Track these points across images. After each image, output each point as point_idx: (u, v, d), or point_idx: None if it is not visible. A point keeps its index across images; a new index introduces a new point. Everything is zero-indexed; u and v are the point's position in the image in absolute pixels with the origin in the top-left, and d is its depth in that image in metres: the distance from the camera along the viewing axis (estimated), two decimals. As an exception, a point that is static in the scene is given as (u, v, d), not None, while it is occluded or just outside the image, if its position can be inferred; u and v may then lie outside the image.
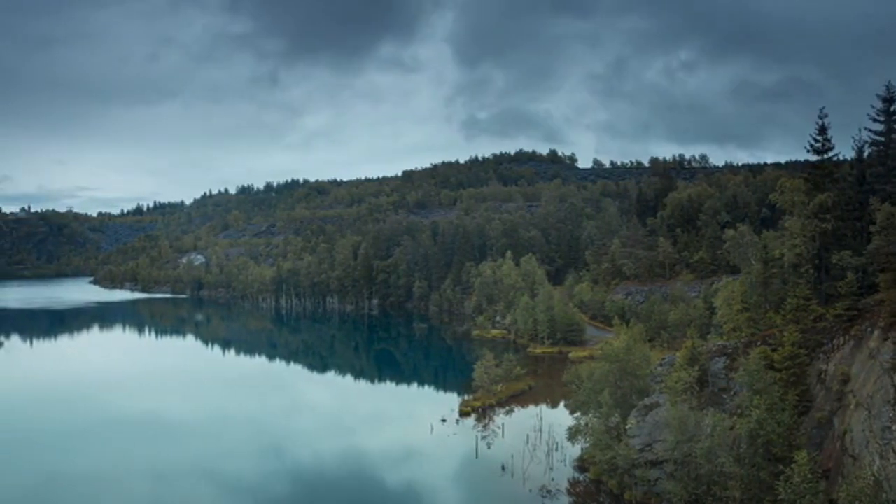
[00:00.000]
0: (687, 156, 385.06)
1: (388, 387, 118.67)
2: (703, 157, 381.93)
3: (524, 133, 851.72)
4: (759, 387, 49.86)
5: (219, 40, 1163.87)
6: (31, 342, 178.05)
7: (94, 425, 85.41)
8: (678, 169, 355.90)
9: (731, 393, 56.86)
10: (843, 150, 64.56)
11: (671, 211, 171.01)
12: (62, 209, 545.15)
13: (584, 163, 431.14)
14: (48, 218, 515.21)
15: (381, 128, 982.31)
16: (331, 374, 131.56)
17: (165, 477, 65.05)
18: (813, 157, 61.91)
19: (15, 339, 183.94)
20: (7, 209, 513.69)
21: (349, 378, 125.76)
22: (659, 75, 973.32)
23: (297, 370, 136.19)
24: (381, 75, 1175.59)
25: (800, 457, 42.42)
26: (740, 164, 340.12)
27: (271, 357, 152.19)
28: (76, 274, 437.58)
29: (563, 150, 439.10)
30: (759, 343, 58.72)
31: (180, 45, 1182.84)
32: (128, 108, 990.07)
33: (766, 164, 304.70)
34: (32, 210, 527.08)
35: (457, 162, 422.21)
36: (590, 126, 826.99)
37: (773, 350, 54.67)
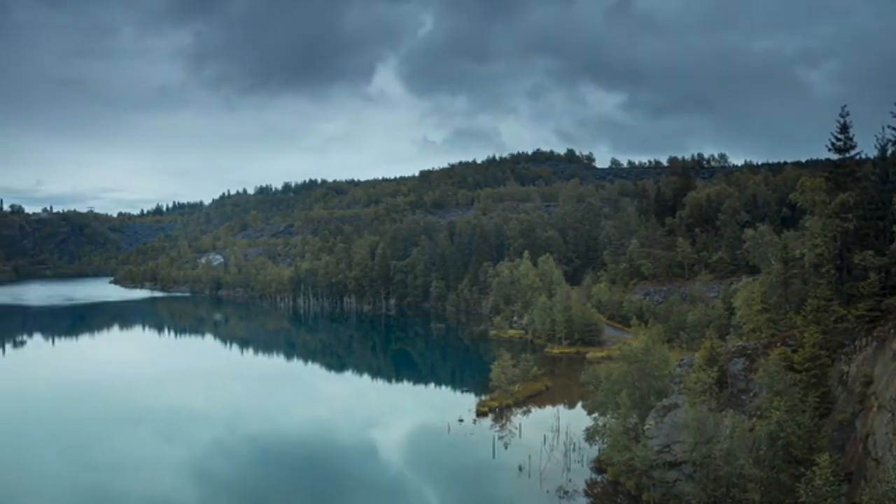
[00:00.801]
0: (706, 155, 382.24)
1: (406, 386, 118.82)
2: (723, 156, 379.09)
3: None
4: (779, 388, 49.37)
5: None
6: (54, 340, 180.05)
7: (120, 420, 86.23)
8: (697, 168, 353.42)
9: (751, 394, 56.36)
10: (866, 148, 63.70)
11: (690, 210, 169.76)
12: (84, 210, 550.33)
13: (601, 162, 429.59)
14: (70, 218, 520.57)
15: (397, 131, 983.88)
16: (348, 374, 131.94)
17: (187, 469, 65.66)
18: (834, 156, 61.13)
19: (38, 336, 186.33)
20: (30, 209, 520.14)
21: (367, 378, 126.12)
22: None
23: (314, 369, 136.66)
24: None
25: (821, 459, 41.92)
26: (760, 163, 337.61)
27: (289, 356, 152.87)
28: (97, 273, 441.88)
29: (581, 150, 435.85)
30: (779, 344, 58.16)
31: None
32: (149, 114, 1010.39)
33: (786, 163, 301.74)
34: (54, 210, 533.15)
35: (474, 162, 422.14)
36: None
37: (794, 351, 54.12)
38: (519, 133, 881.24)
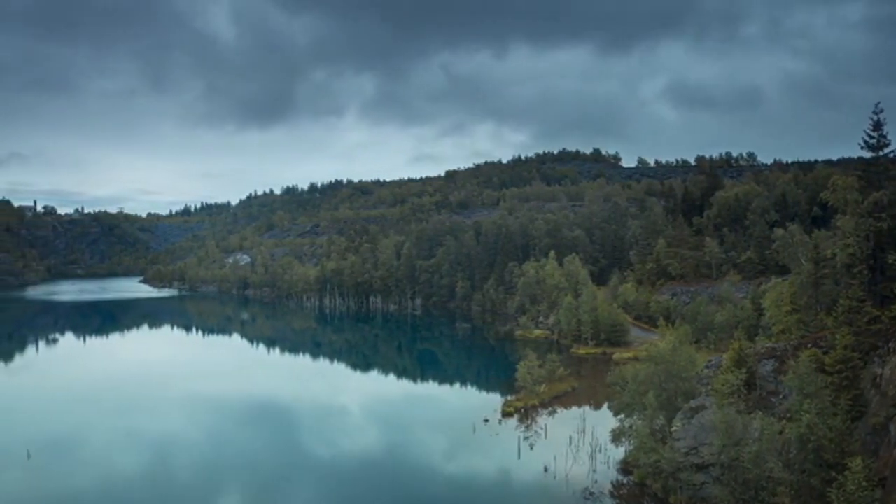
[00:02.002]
0: (734, 154, 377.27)
1: (431, 386, 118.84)
2: (751, 154, 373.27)
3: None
4: (809, 390, 48.56)
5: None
6: (87, 336, 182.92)
7: (155, 410, 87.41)
8: (725, 167, 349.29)
9: (780, 396, 55.52)
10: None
11: (718, 210, 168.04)
12: (114, 211, 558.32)
13: (628, 161, 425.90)
14: (100, 219, 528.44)
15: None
16: (374, 374, 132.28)
17: (212, 460, 66.38)
18: (867, 154, 60.02)
19: (75, 332, 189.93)
20: (62, 210, 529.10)
21: (392, 377, 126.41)
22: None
23: (340, 369, 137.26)
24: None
25: (854, 464, 41.12)
26: (790, 161, 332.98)
27: (315, 356, 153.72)
28: (126, 273, 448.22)
29: (607, 149, 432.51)
30: (809, 345, 57.24)
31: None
32: (179, 120, 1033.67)
33: (816, 161, 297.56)
34: (86, 211, 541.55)
35: (500, 162, 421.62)
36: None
37: (825, 353, 53.20)
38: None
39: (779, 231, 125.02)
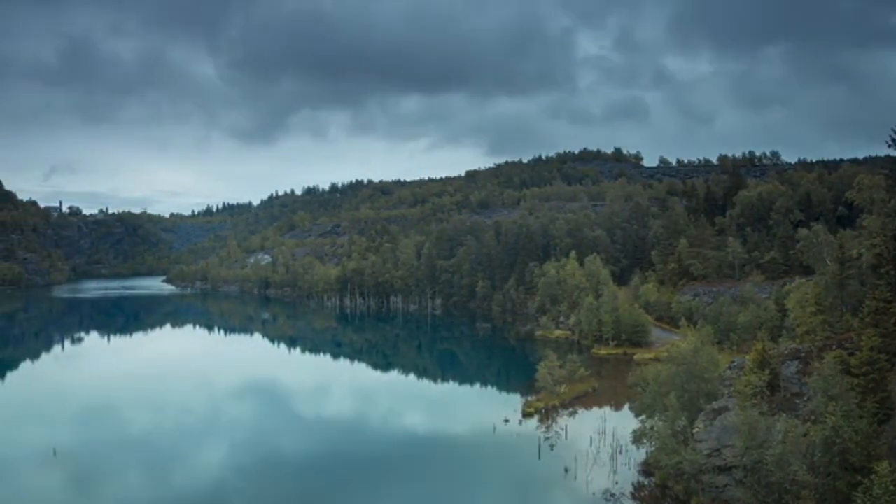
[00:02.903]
0: (757, 153, 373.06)
1: (451, 386, 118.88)
2: (775, 153, 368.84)
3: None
4: (834, 392, 47.89)
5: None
6: (110, 337, 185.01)
7: (190, 411, 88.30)
8: (748, 166, 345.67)
9: (805, 398, 54.81)
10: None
11: (741, 210, 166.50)
12: (138, 211, 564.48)
13: (649, 161, 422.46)
14: (124, 219, 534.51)
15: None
16: (394, 373, 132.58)
17: (241, 458, 66.81)
18: (895, 152, 59.13)
19: (95, 333, 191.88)
20: (87, 211, 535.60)
21: (412, 377, 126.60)
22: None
23: (361, 368, 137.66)
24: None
25: (880, 468, 40.42)
26: (814, 160, 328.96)
27: (336, 355, 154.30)
28: (150, 273, 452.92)
29: (628, 149, 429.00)
30: (834, 347, 56.49)
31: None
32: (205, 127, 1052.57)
33: (842, 160, 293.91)
34: (110, 212, 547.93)
35: (520, 161, 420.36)
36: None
37: (850, 354, 52.46)
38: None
39: (803, 231, 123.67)
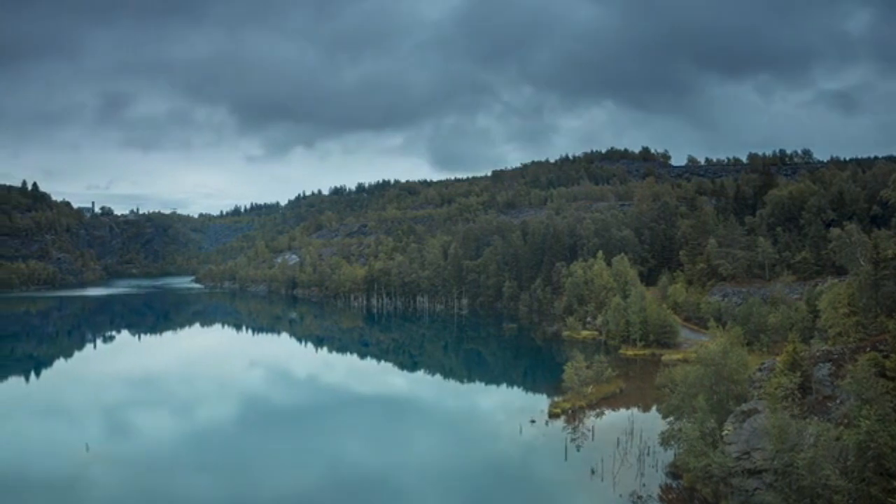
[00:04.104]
0: (788, 151, 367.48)
1: (478, 387, 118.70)
2: (807, 151, 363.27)
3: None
4: (868, 396, 46.94)
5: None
6: (141, 335, 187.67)
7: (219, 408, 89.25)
8: (779, 165, 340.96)
9: (837, 401, 53.80)
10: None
11: (771, 209, 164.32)
12: (168, 212, 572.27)
13: (677, 160, 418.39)
14: (154, 219, 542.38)
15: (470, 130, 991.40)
16: (420, 373, 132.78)
17: (271, 455, 67.33)
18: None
19: (126, 332, 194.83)
20: (118, 212, 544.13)
21: (438, 377, 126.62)
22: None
23: (387, 368, 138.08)
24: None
25: (915, 472, 39.60)
26: (847, 158, 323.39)
27: (363, 355, 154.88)
28: (179, 272, 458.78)
29: (656, 148, 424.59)
30: (868, 349, 55.40)
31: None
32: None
33: (876, 157, 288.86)
34: (140, 212, 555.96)
35: (547, 161, 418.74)
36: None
37: (885, 357, 51.39)
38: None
39: (835, 230, 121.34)
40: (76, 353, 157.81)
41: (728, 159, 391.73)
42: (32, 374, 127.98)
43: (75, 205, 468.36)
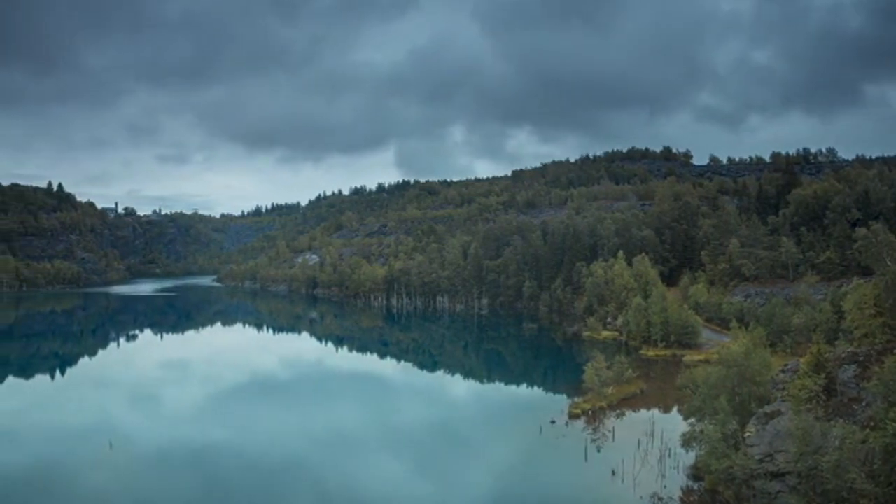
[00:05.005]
0: (812, 149, 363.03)
1: (497, 386, 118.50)
2: (831, 150, 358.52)
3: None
4: (895, 398, 46.18)
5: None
6: (163, 334, 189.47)
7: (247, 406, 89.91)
8: (802, 164, 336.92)
9: (863, 403, 53.02)
10: None
11: (795, 208, 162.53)
12: (189, 212, 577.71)
13: (699, 159, 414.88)
14: (176, 219, 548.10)
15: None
16: (440, 373, 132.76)
17: (296, 453, 67.72)
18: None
19: (149, 331, 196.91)
20: (141, 212, 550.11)
21: (458, 377, 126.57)
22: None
23: (407, 367, 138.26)
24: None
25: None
26: (873, 157, 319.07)
27: (383, 354, 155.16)
28: (201, 272, 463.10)
29: (678, 147, 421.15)
30: (895, 350, 54.51)
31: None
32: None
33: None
34: (163, 213, 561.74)
35: (567, 161, 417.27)
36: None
37: (912, 358, 50.54)
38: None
39: (861, 230, 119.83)
40: (100, 352, 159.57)
41: (751, 158, 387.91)
42: (58, 372, 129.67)
43: (99, 205, 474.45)
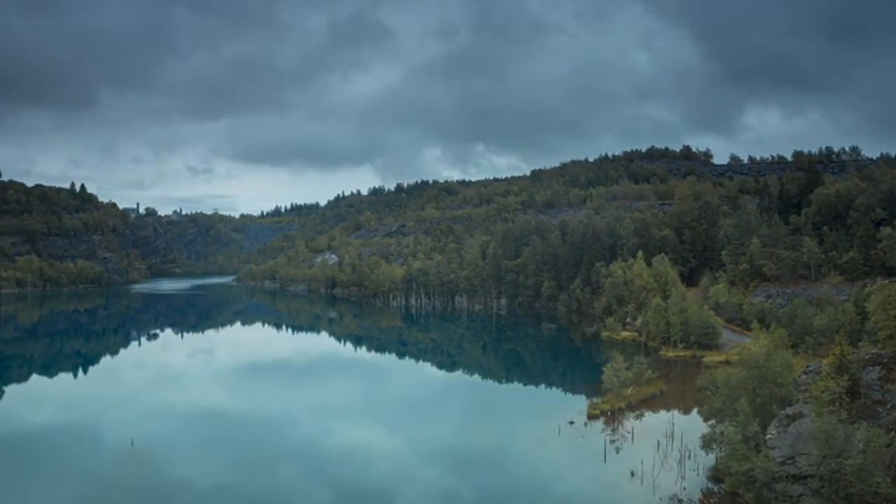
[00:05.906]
0: (836, 148, 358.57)
1: (516, 387, 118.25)
2: (854, 149, 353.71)
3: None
4: (919, 400, 45.49)
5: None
6: (184, 333, 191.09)
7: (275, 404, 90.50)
8: (825, 163, 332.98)
9: (888, 406, 52.28)
10: None
11: (817, 208, 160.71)
12: (210, 212, 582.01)
13: (719, 158, 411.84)
14: (197, 220, 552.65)
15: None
16: (459, 373, 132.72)
17: (315, 453, 67.96)
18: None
19: (170, 330, 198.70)
20: (162, 212, 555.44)
21: (477, 377, 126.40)
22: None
23: (426, 367, 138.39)
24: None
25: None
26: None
27: (401, 354, 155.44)
28: (221, 272, 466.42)
29: (698, 147, 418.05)
30: (919, 352, 53.72)
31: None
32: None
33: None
34: (183, 213, 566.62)
35: (586, 160, 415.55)
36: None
37: (937, 360, 49.78)
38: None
39: (885, 230, 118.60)
40: (122, 351, 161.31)
41: (772, 157, 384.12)
42: (80, 371, 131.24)
43: (121, 205, 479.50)
